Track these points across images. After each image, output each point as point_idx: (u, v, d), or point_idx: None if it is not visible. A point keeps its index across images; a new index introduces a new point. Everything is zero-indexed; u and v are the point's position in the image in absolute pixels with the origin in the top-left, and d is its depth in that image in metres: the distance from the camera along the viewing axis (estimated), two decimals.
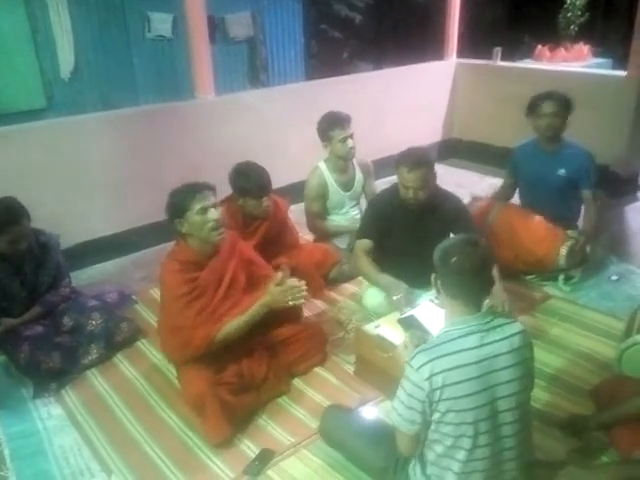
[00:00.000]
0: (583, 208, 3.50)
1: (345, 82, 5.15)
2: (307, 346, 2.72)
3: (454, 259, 1.69)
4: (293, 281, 2.46)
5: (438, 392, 1.61)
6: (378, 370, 2.55)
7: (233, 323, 2.42)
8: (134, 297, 3.45)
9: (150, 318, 3.25)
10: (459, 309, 1.72)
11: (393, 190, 2.94)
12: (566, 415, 2.36)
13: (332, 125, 3.47)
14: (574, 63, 5.55)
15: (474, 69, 5.63)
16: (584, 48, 5.74)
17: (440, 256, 1.75)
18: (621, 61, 4.80)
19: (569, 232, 3.40)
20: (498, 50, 5.36)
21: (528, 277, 3.49)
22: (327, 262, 3.44)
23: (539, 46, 5.89)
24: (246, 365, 2.54)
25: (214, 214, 2.41)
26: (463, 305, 1.71)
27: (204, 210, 2.38)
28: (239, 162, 3.10)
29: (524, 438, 1.76)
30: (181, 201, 2.40)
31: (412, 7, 8.78)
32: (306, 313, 3.21)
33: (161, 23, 6.19)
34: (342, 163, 3.60)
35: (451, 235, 2.87)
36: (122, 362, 2.90)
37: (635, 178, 4.86)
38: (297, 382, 2.70)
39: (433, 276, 1.79)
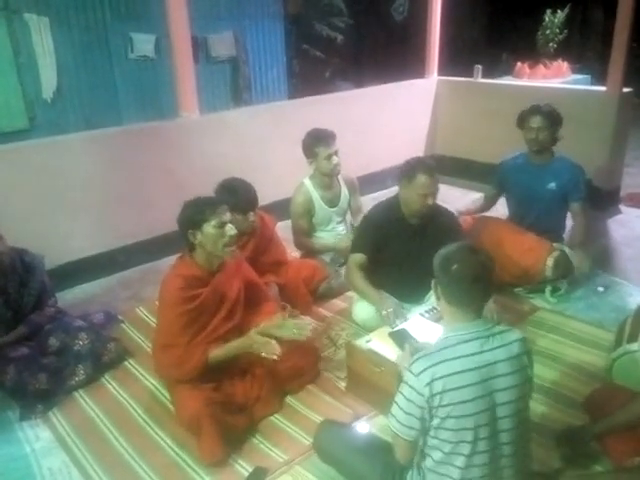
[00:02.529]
0: (569, 221, 3.55)
1: (328, 100, 5.20)
2: (300, 364, 2.69)
3: (455, 266, 1.69)
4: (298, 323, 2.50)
5: (438, 397, 1.61)
6: (370, 385, 2.53)
7: (223, 349, 2.42)
8: (120, 317, 3.40)
9: (137, 338, 3.20)
10: (459, 316, 1.72)
11: (390, 204, 2.95)
12: (560, 426, 2.35)
13: (317, 142, 3.48)
14: (554, 79, 5.65)
15: (455, 86, 5.72)
16: (563, 65, 5.84)
17: (440, 263, 1.74)
18: (600, 77, 4.89)
19: (555, 244, 3.42)
20: (479, 68, 5.45)
21: (515, 290, 3.50)
22: (315, 278, 3.43)
23: (519, 63, 5.99)
24: (239, 385, 2.52)
25: (231, 231, 2.42)
26: (463, 312, 1.71)
27: (222, 224, 2.39)
28: (225, 178, 3.10)
29: (522, 446, 1.76)
30: (200, 212, 2.39)
31: (392, 27, 8.94)
32: None
33: (144, 44, 6.20)
34: (327, 180, 3.61)
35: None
36: (110, 383, 2.85)
37: (616, 191, 4.96)
38: (289, 400, 2.66)
39: (433, 282, 1.79)
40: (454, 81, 5.76)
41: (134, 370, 2.94)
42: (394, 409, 1.72)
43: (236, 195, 2.99)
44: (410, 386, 1.65)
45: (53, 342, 2.78)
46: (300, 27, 8.02)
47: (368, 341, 2.58)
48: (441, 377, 1.61)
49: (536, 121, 3.35)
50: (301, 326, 2.48)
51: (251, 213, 3.06)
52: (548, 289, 3.45)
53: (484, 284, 1.72)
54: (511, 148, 3.66)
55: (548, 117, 3.35)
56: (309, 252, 3.68)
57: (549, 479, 2.09)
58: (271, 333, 2.43)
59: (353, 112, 5.12)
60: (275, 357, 2.37)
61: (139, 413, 2.62)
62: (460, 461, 1.66)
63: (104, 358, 2.86)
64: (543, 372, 2.74)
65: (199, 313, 2.43)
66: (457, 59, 5.97)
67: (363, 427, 2.37)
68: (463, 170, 5.50)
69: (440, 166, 5.54)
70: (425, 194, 2.77)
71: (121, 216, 3.95)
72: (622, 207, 4.90)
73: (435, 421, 1.64)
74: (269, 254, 3.32)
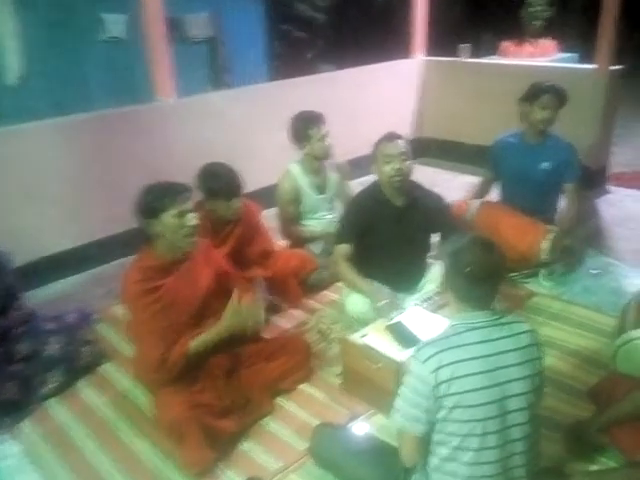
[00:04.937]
0: (561, 202, 3.46)
1: (312, 82, 5.01)
2: (291, 361, 2.55)
3: (468, 267, 1.61)
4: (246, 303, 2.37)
5: (444, 386, 1.55)
6: (367, 382, 2.40)
7: (202, 336, 2.30)
8: (96, 316, 3.19)
9: (114, 339, 3.02)
10: (468, 308, 1.67)
11: (373, 188, 2.84)
12: (566, 419, 2.26)
13: (309, 124, 3.32)
14: (541, 58, 5.54)
15: (442, 66, 5.56)
16: (550, 43, 5.74)
17: (451, 261, 1.67)
18: (588, 55, 4.80)
19: (549, 226, 3.33)
20: (466, 47, 5.30)
21: (510, 275, 3.37)
22: (305, 269, 3.27)
23: (503, 42, 5.86)
24: (226, 385, 2.35)
25: (192, 220, 2.27)
26: (471, 307, 1.66)
27: (182, 214, 2.24)
28: (206, 163, 2.91)
29: (534, 443, 1.67)
30: (157, 200, 2.22)
31: (377, 7, 8.70)
32: (286, 325, 3.07)
33: (114, 24, 5.92)
34: (317, 164, 3.45)
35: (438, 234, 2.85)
36: (85, 389, 2.67)
37: (604, 171, 4.89)
38: (281, 400, 2.51)
39: (442, 274, 1.74)
40: (440, 61, 5.60)
41: (111, 375, 2.76)
42: (398, 402, 1.65)
43: (218, 180, 2.82)
44: (416, 375, 1.59)
45: (21, 348, 2.58)
46: (280, 7, 7.77)
47: (363, 336, 2.45)
48: (448, 364, 1.56)
49: (549, 100, 3.24)
50: (253, 312, 2.38)
51: (235, 199, 2.89)
52: (542, 273, 3.37)
53: (497, 282, 1.68)
54: (501, 128, 3.54)
55: (560, 96, 3.25)
56: (297, 241, 3.52)
57: (558, 476, 1.98)
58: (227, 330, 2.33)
59: (337, 94, 4.96)
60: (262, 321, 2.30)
61: (117, 422, 2.45)
62: (468, 457, 1.58)
63: (78, 363, 2.69)
64: (548, 361, 2.56)
65: (166, 305, 2.26)
66: (439, 39, 5.79)
67: (361, 428, 2.24)
68: (452, 152, 5.38)
69: (429, 149, 5.62)
70: (389, 160, 2.65)
71: (94, 208, 3.76)
72: (610, 187, 4.83)
73: (442, 413, 1.57)
74: (255, 244, 3.15)
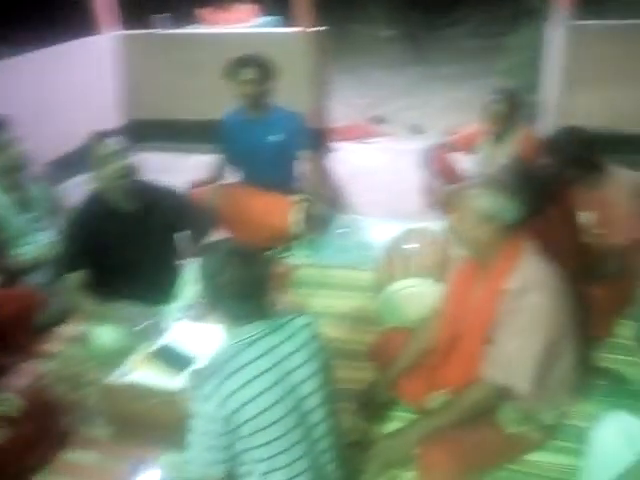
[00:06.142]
0: (299, 170, 3.43)
1: None
2: (38, 429, 2.03)
3: (231, 286, 1.48)
4: None
5: (236, 416, 1.43)
6: (144, 424, 2.03)
7: None
8: None
9: None
10: (239, 325, 1.53)
11: (95, 196, 2.37)
12: (357, 385, 2.22)
13: None
14: (244, 24, 5.49)
15: (141, 41, 5.05)
16: (249, 7, 5.72)
17: (211, 281, 1.51)
18: (290, 17, 4.85)
19: (294, 197, 3.28)
20: (163, 17, 4.90)
21: (267, 253, 3.27)
22: (29, 308, 2.60)
23: (201, 10, 5.62)
24: None
25: None
26: (244, 323, 1.52)
27: None
28: None
29: (337, 436, 1.66)
30: None
31: None
32: (22, 381, 2.40)
33: None
34: (13, 178, 2.76)
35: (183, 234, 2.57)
36: None
37: (328, 129, 5.07)
38: None
39: (201, 294, 1.60)
40: (137, 35, 5.07)
41: None
42: (190, 454, 1.48)
43: None
44: (202, 416, 1.44)
45: None
46: None
47: (126, 373, 2.04)
48: (234, 392, 1.43)
49: (249, 73, 3.09)
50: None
51: None
52: (297, 244, 3.35)
53: (265, 290, 1.57)
54: (222, 99, 3.30)
55: (261, 68, 3.12)
56: (10, 276, 2.78)
57: (364, 447, 1.92)
58: None
59: (17, 88, 4.12)
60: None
61: None
62: (280, 476, 1.49)
63: None
64: (326, 331, 2.55)
65: None
66: (137, 10, 5.23)
67: (153, 476, 1.89)
68: (175, 132, 5.00)
69: (147, 133, 5.08)
70: (107, 161, 2.30)
71: None
72: (335, 144, 5.03)
73: (242, 443, 1.45)
74: None
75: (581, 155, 2.44)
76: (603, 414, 1.71)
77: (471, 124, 3.35)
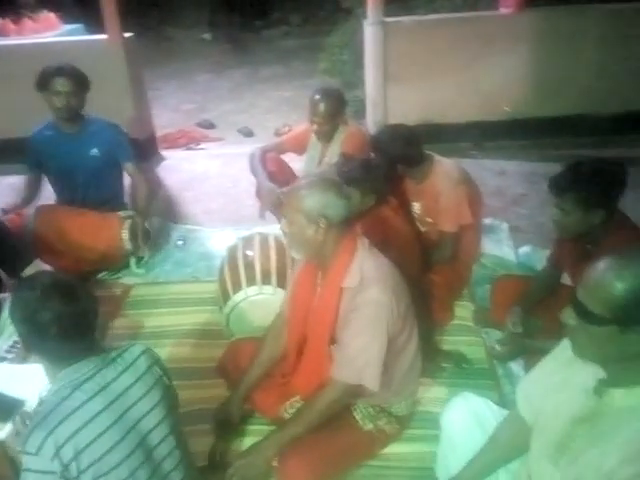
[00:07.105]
0: (124, 184, 3.24)
1: None
2: None
3: (53, 327, 1.32)
4: None
5: (74, 465, 1.30)
6: None
7: None
8: None
9: None
10: (66, 366, 1.38)
11: None
12: (210, 404, 2.12)
13: None
14: (47, 33, 5.07)
15: None
16: (51, 16, 5.27)
17: (28, 325, 1.35)
18: (94, 25, 4.54)
19: (121, 213, 3.07)
20: None
21: (99, 277, 3.06)
22: None
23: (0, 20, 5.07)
24: None
25: None
26: (67, 365, 1.38)
27: None
28: None
29: (189, 464, 1.57)
30: None
31: None
32: None
33: None
34: None
35: None
36: None
37: (153, 138, 4.84)
38: None
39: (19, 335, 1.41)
40: None
41: None
42: None
43: None
44: (35, 471, 1.29)
45: None
46: None
47: None
48: (68, 439, 1.30)
49: (63, 84, 2.84)
50: None
51: None
52: (132, 262, 3.13)
53: (92, 325, 1.42)
54: (35, 114, 3.02)
55: (76, 79, 2.89)
56: None
57: (223, 468, 1.82)
58: None
59: None
60: None
61: None
62: None
63: None
64: (170, 354, 2.42)
65: None
66: None
67: None
68: None
69: None
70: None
71: None
72: (163, 152, 4.84)
73: None
74: None
75: (404, 151, 2.56)
76: (451, 397, 1.76)
77: (299, 124, 3.38)
